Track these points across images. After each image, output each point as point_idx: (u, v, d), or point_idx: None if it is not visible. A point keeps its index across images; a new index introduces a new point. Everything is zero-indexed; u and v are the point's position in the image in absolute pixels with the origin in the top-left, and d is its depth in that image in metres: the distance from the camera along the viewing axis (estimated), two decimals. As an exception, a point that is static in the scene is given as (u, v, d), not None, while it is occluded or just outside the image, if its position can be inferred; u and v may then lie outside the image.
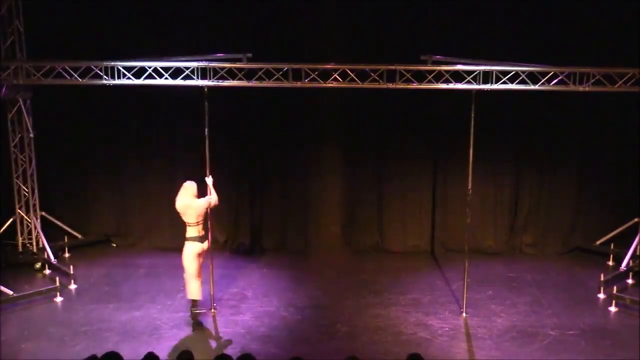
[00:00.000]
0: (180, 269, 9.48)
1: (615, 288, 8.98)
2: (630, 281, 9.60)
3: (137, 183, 11.18)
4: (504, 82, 8.35)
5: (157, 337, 8.04)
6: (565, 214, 10.82)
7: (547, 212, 10.83)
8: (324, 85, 8.63)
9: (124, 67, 8.65)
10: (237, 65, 8.52)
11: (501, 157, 10.68)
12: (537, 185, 10.80)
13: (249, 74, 8.61)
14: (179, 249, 10.89)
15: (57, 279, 9.35)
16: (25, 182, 10.47)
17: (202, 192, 8.50)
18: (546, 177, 10.76)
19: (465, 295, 8.69)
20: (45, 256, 10.17)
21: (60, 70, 8.76)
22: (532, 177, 10.80)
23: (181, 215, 8.32)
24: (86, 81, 8.74)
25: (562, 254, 10.81)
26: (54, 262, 10.00)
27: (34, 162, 10.54)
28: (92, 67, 8.67)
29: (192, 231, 8.29)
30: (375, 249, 11.10)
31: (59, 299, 9.11)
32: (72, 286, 9.52)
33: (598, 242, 10.67)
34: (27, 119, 10.04)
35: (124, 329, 8.21)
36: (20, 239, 10.62)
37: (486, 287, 9.53)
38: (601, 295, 9.17)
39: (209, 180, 8.49)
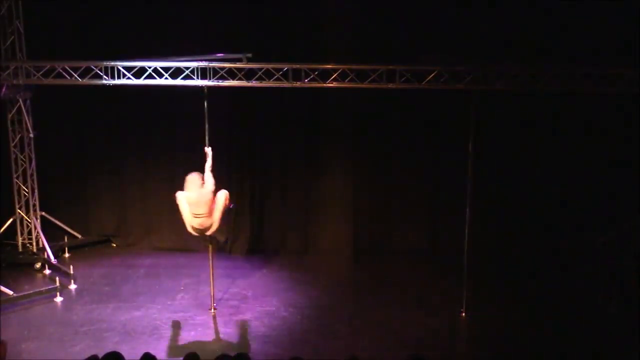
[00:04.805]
0: (180, 268, 9.57)
1: (611, 286, 8.99)
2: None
3: (137, 183, 11.18)
4: (504, 82, 8.35)
5: (157, 337, 8.04)
6: (565, 213, 10.79)
7: (547, 211, 10.81)
8: (324, 85, 8.63)
9: (124, 67, 8.65)
10: (237, 65, 8.52)
11: (501, 157, 10.65)
12: (537, 184, 10.78)
13: (248, 74, 8.61)
14: (179, 249, 11.02)
15: (57, 279, 9.35)
16: (25, 182, 10.46)
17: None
18: (546, 177, 10.74)
19: (465, 295, 8.69)
20: (45, 256, 10.16)
21: (60, 70, 8.75)
22: (531, 177, 10.78)
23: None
24: (86, 81, 8.73)
25: (561, 253, 10.78)
26: (54, 262, 9.99)
27: (34, 162, 10.53)
28: (92, 67, 8.67)
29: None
30: (375, 249, 11.10)
31: (59, 299, 9.11)
32: (72, 286, 9.52)
33: (598, 242, 10.65)
34: (27, 119, 10.04)
35: (124, 329, 8.21)
36: (20, 239, 10.62)
37: (486, 287, 9.53)
38: (598, 295, 9.16)
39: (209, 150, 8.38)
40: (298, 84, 8.56)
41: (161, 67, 8.59)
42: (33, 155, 10.50)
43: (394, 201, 11.08)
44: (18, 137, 10.30)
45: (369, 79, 8.55)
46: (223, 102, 9.92)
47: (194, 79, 8.51)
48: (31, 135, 10.15)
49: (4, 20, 9.89)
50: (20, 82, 9.14)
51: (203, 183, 8.13)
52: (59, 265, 9.93)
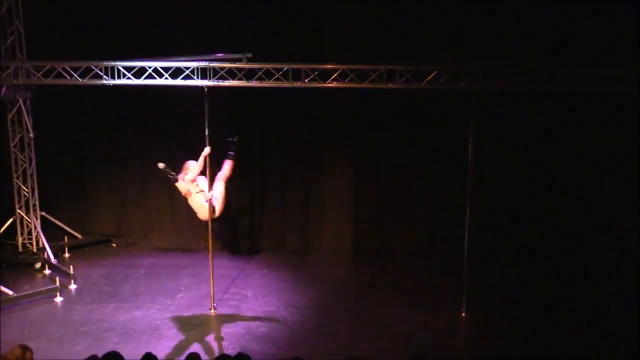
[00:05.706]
0: (180, 268, 9.56)
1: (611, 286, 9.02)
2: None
3: (137, 183, 11.18)
4: (504, 82, 8.35)
5: (157, 337, 8.04)
6: (565, 213, 10.79)
7: (547, 211, 10.80)
8: (324, 85, 8.63)
9: (124, 67, 8.65)
10: (237, 65, 8.52)
11: (501, 157, 10.65)
12: (537, 184, 10.77)
13: (249, 74, 8.61)
14: (179, 249, 11.03)
15: (57, 279, 9.34)
16: (25, 182, 10.46)
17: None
18: (546, 176, 10.74)
19: (465, 295, 8.69)
20: (45, 256, 10.16)
21: (60, 70, 8.74)
22: (531, 176, 10.78)
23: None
24: (86, 81, 8.73)
25: (561, 253, 10.78)
26: (54, 262, 9.99)
27: (34, 162, 10.54)
28: (92, 67, 8.66)
29: None
30: (375, 249, 11.09)
31: (59, 299, 9.11)
32: (72, 286, 9.51)
33: (598, 242, 10.64)
34: (27, 119, 10.04)
35: (124, 329, 8.20)
36: (20, 239, 10.62)
37: (485, 287, 9.52)
38: (598, 295, 9.15)
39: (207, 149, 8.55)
40: (298, 84, 8.56)
41: (161, 67, 8.59)
42: (33, 155, 10.50)
43: (394, 201, 11.08)
44: (18, 137, 10.30)
45: (369, 79, 8.54)
46: (223, 102, 9.92)
47: (194, 79, 8.51)
48: (31, 135, 10.16)
49: (4, 20, 9.88)
50: (20, 82, 9.14)
51: (186, 173, 8.81)
52: (59, 265, 9.93)
